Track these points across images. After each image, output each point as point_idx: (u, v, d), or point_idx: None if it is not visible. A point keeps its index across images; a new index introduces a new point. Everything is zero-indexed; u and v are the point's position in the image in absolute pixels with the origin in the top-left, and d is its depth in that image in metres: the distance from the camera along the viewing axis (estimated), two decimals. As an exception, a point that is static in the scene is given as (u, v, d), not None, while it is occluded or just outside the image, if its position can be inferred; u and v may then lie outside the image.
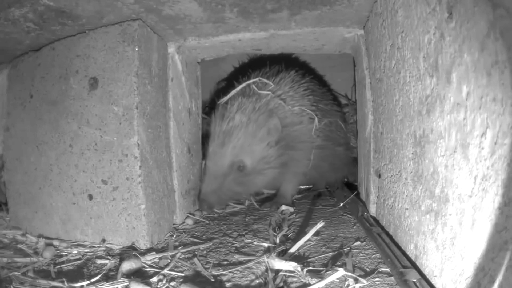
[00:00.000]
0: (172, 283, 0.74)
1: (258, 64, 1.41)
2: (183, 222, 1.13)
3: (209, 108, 1.62)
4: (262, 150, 1.16)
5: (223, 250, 0.92)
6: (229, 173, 1.14)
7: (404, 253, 0.76)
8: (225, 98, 1.27)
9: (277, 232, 1.03)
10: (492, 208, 0.45)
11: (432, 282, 0.63)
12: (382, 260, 0.79)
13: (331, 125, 1.36)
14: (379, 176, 0.97)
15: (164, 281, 0.75)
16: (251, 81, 1.26)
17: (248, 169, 1.15)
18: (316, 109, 1.30)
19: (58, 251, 0.92)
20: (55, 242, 0.96)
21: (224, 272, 0.78)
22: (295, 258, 0.85)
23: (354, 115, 1.59)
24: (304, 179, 1.41)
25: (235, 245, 0.95)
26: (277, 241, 0.96)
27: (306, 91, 1.31)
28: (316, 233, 0.96)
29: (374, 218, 1.02)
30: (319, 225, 0.89)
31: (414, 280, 0.64)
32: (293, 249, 0.87)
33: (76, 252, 0.92)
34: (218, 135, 1.16)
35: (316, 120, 1.24)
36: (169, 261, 0.85)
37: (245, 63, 1.74)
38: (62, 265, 0.85)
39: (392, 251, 0.77)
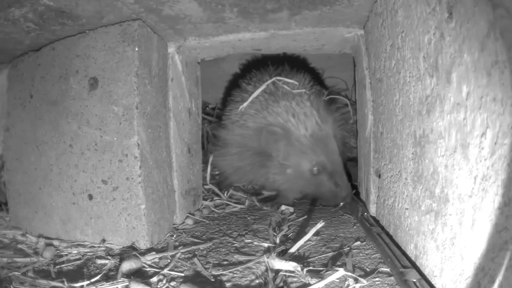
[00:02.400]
0: (172, 283, 0.74)
1: (259, 65, 1.42)
2: (183, 222, 1.13)
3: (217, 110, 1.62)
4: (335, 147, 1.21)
5: (223, 250, 0.92)
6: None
7: (404, 253, 0.76)
8: (245, 104, 1.25)
9: (277, 232, 1.03)
10: (492, 208, 0.45)
11: (432, 282, 0.63)
12: (382, 260, 0.79)
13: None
14: (379, 176, 0.97)
15: (164, 281, 0.75)
16: (269, 81, 1.25)
17: (330, 168, 1.20)
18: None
19: (58, 251, 0.92)
20: (55, 242, 0.96)
21: (224, 272, 0.78)
22: (295, 258, 0.85)
23: (354, 115, 1.59)
24: None
25: (235, 245, 0.95)
26: (277, 241, 0.96)
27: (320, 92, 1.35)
28: (316, 233, 0.96)
29: (374, 218, 1.02)
30: (319, 225, 0.89)
31: (414, 280, 0.64)
32: (293, 249, 0.87)
33: (76, 252, 0.92)
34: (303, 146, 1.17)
35: (350, 104, 1.27)
36: (169, 261, 0.85)
37: (247, 64, 1.75)
38: (62, 265, 0.85)
39: (392, 251, 0.77)
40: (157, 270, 0.80)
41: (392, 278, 0.71)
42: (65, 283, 0.73)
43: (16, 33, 0.96)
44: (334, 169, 1.18)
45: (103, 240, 0.95)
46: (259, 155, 1.22)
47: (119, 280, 0.73)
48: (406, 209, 0.76)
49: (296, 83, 1.25)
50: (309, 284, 0.70)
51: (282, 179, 1.25)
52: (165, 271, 0.79)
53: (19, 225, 1.09)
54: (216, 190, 1.42)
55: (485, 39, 0.45)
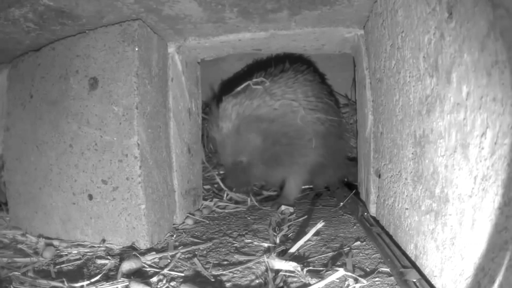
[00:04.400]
0: (172, 283, 0.74)
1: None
2: (183, 222, 1.13)
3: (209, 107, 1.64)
4: (251, 148, 1.25)
5: (223, 250, 0.92)
6: (234, 167, 1.29)
7: (404, 253, 0.76)
8: (229, 95, 1.30)
9: (277, 232, 1.03)
10: (492, 208, 0.45)
11: (432, 282, 0.63)
12: (382, 260, 0.79)
13: (334, 119, 1.38)
14: (379, 176, 0.97)
15: (164, 281, 0.75)
16: (252, 81, 1.29)
17: (244, 164, 1.28)
18: (315, 100, 1.31)
19: (58, 251, 0.92)
20: (55, 242, 0.96)
21: (224, 272, 0.78)
22: (295, 258, 0.85)
23: (354, 115, 1.59)
24: (308, 178, 1.42)
25: (235, 245, 0.95)
26: (277, 241, 0.96)
27: (305, 82, 1.33)
28: (316, 233, 0.96)
29: (374, 218, 1.02)
30: (319, 225, 0.90)
31: (414, 280, 0.64)
32: (293, 249, 0.87)
33: (76, 252, 0.92)
34: (218, 139, 1.29)
35: (301, 108, 1.26)
36: (169, 261, 0.85)
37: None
38: (62, 265, 0.85)
39: (392, 251, 0.77)
40: (157, 270, 0.80)
41: (392, 278, 0.71)
42: (65, 283, 0.73)
43: (16, 33, 0.96)
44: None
45: (103, 240, 0.95)
46: None
47: (119, 280, 0.73)
48: (406, 209, 0.76)
49: (267, 82, 1.29)
50: (309, 284, 0.70)
51: None
52: (165, 271, 0.79)
53: (19, 225, 1.09)
54: (219, 181, 1.46)
55: (485, 39, 0.45)
